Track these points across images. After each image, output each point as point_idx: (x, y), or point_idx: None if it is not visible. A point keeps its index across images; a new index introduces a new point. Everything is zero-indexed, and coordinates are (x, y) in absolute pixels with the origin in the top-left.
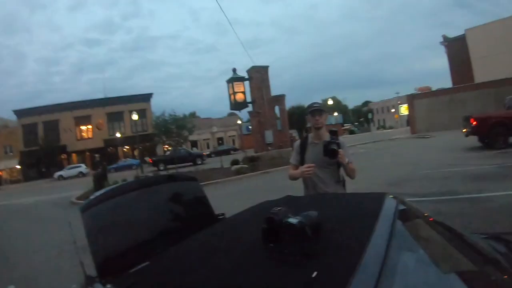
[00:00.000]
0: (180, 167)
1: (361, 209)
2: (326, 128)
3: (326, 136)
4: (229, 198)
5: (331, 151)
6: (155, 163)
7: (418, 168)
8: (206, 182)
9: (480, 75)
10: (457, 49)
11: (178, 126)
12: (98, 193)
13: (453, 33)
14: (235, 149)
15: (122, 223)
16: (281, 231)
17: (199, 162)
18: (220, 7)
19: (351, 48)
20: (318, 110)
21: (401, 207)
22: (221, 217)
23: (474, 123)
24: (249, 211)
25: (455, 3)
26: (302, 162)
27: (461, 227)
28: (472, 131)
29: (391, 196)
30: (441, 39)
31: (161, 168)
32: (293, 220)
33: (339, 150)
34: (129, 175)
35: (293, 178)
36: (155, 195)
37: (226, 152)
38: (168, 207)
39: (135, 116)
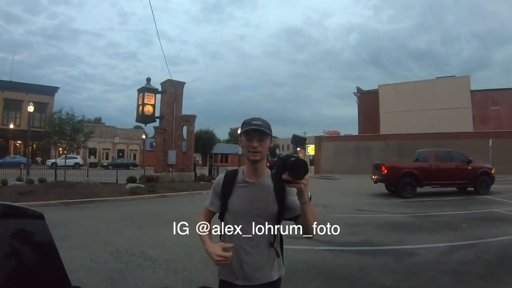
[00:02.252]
0: None
1: None
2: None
3: (267, 174)
4: (117, 224)
5: (295, 165)
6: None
7: (329, 211)
8: (94, 199)
9: (386, 127)
10: (368, 101)
11: (73, 129)
12: None
13: (364, 87)
14: (135, 165)
15: None
16: None
17: None
18: (153, 15)
19: (268, 84)
20: (258, 131)
21: None
22: None
23: (386, 171)
24: None
25: (371, 62)
26: (223, 209)
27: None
28: (383, 179)
29: None
30: (355, 90)
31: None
32: None
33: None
34: (13, 175)
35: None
36: None
37: (126, 166)
38: None
39: (31, 108)
